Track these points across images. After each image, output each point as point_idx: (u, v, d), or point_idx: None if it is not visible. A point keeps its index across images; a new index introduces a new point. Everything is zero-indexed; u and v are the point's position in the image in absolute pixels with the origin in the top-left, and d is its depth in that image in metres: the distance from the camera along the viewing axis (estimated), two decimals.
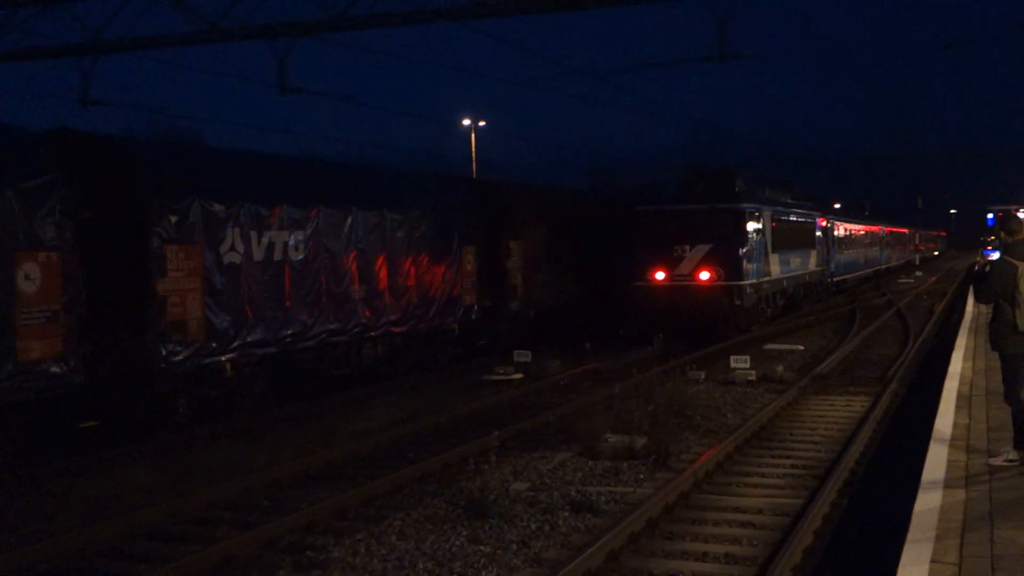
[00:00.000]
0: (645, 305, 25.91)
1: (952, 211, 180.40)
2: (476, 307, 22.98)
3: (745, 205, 26.80)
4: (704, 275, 25.75)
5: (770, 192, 31.28)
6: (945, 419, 11.32)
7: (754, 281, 26.86)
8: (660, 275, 25.94)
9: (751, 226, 26.75)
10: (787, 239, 31.07)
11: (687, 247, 25.87)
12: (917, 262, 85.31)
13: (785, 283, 30.98)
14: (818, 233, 36.86)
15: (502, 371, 20.00)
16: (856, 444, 12.57)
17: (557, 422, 14.79)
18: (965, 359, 16.90)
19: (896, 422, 14.63)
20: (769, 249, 28.58)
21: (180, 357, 14.71)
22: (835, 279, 41.44)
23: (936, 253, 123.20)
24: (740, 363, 19.34)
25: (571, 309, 27.82)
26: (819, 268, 36.71)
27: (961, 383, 14.13)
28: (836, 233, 42.00)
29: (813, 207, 37.56)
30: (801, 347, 24.12)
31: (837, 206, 48.94)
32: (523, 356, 20.90)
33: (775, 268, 29.46)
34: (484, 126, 50.67)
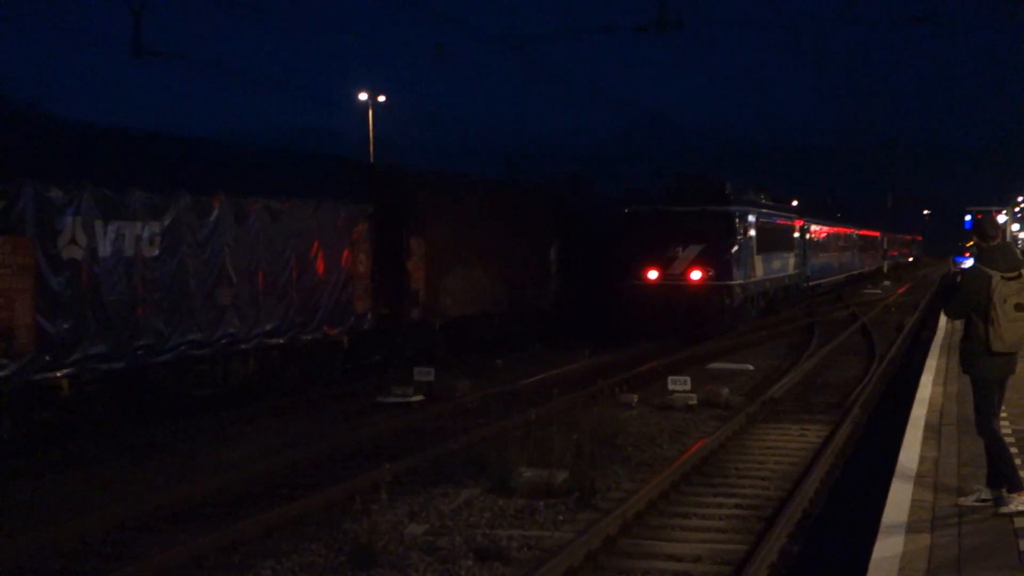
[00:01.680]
0: (637, 303, 30.65)
1: (925, 212, 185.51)
2: (370, 315, 22.93)
3: (735, 207, 32.01)
4: (696, 275, 30.79)
5: (752, 194, 36.32)
6: (911, 452, 11.56)
7: (742, 281, 32.14)
8: (653, 274, 30.90)
9: (740, 228, 31.98)
10: (770, 242, 36.49)
11: (679, 248, 30.83)
12: (885, 270, 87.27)
13: (767, 285, 36.40)
14: (795, 235, 42.63)
15: (399, 392, 19.95)
16: (810, 480, 12.76)
17: (463, 453, 14.79)
18: (936, 383, 17.34)
19: (857, 455, 14.89)
20: (754, 251, 33.86)
21: (4, 372, 14.35)
22: (811, 283, 47.12)
23: (910, 260, 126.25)
24: (679, 385, 19.51)
25: (489, 320, 28.03)
26: (797, 271, 42.68)
27: (930, 410, 14.46)
28: (811, 236, 46.92)
29: (791, 209, 43.09)
30: (751, 367, 24.52)
31: (795, 203, 50.38)
32: (425, 374, 20.90)
33: (759, 270, 34.94)
34: (383, 102, 50.53)
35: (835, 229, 58.48)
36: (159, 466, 14.38)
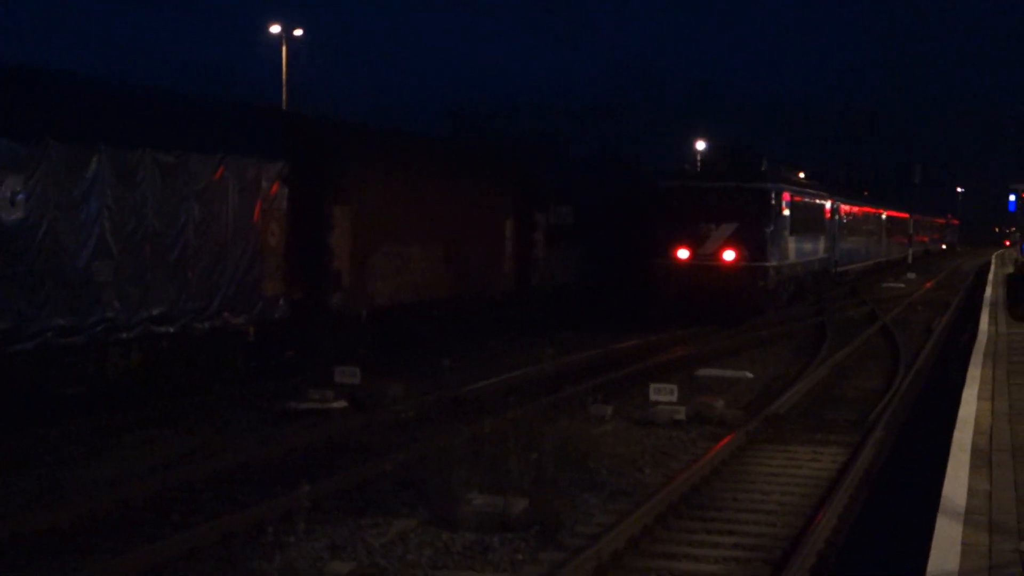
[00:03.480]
0: (666, 284, 34.66)
1: (959, 189, 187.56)
2: (282, 301, 22.82)
3: (771, 184, 35.96)
4: (729, 255, 34.52)
5: (785, 170, 40.51)
6: (957, 483, 11.46)
7: (776, 263, 36.27)
8: (683, 253, 34.83)
9: (776, 207, 35.84)
10: (802, 222, 40.64)
11: (712, 226, 34.63)
12: (911, 259, 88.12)
13: (799, 269, 40.92)
14: (826, 216, 47.22)
15: (317, 396, 19.77)
16: (826, 516, 12.64)
17: (397, 474, 14.66)
18: (981, 398, 17.32)
19: (884, 485, 14.80)
20: (788, 232, 37.87)
21: None
22: (838, 269, 51.92)
23: (943, 247, 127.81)
24: (663, 395, 19.43)
25: (428, 309, 28.04)
26: (825, 256, 47.21)
27: (977, 432, 14.39)
28: (839, 217, 51.03)
29: (821, 186, 47.42)
30: (749, 374, 24.59)
31: (801, 175, 51.11)
32: (349, 375, 20.75)
33: (792, 252, 39.04)
34: (301, 38, 50.18)
35: (864, 209, 62.36)
36: (11, 484, 14.14)
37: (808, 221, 42.30)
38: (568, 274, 35.67)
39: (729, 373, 24.57)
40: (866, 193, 76.26)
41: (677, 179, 36.16)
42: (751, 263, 34.82)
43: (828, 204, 48.08)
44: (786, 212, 37.49)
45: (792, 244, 38.88)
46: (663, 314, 34.44)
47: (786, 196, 37.61)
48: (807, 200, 42.61)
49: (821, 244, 45.97)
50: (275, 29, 48.90)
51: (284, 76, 47.94)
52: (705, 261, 34.53)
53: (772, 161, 37.85)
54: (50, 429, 17.13)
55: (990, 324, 29.60)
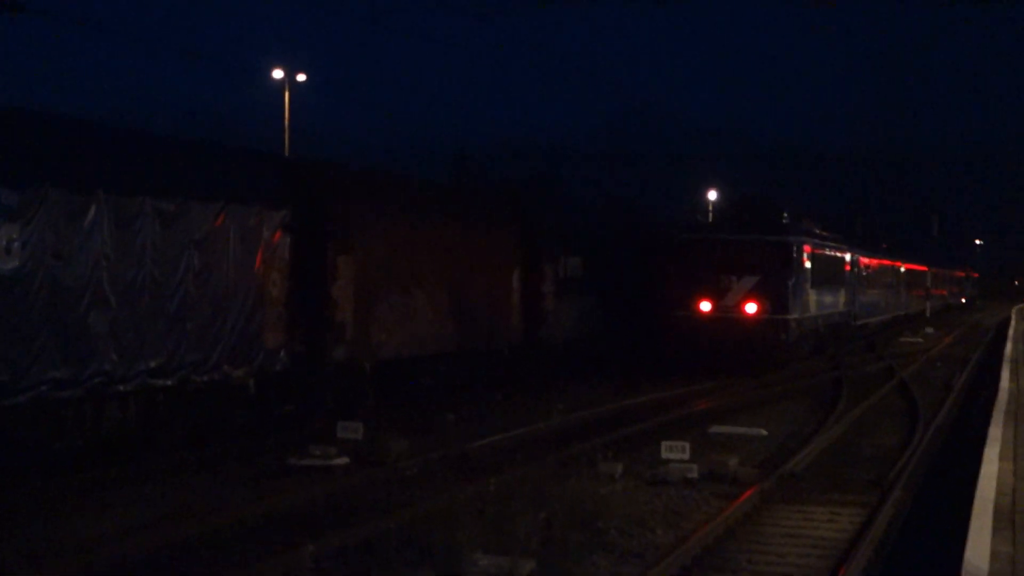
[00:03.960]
0: (690, 336, 36.03)
1: (977, 241, 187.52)
2: (283, 353, 22.86)
3: (792, 237, 37.88)
4: (751, 307, 36.20)
5: (806, 223, 42.81)
6: (979, 546, 11.55)
7: (798, 316, 37.75)
8: (705, 306, 36.45)
9: (797, 259, 37.63)
10: (823, 275, 42.36)
11: (733, 278, 36.35)
12: (929, 313, 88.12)
13: (820, 321, 42.44)
14: (846, 268, 48.86)
15: (319, 452, 19.83)
16: None
17: (401, 532, 14.71)
18: (1003, 458, 17.38)
19: (903, 548, 14.86)
20: (809, 285, 39.56)
21: None
22: (858, 322, 53.36)
23: (963, 300, 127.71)
24: (675, 453, 19.52)
25: (434, 363, 28.10)
26: (845, 308, 48.83)
27: (999, 493, 14.47)
28: (859, 270, 53.43)
29: (841, 239, 49.94)
30: (764, 431, 24.61)
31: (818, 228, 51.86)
32: (351, 430, 20.84)
33: (813, 305, 40.76)
34: (304, 82, 50.40)
35: (883, 262, 63.96)
36: (2, 541, 14.15)
37: (828, 274, 44.00)
38: (578, 327, 35.74)
39: (743, 430, 24.59)
40: (884, 246, 76.63)
41: (698, 232, 38.33)
42: (773, 315, 36.42)
43: (848, 256, 49.58)
44: (807, 264, 39.20)
45: (813, 296, 40.61)
46: (677, 368, 35.49)
47: (807, 248, 39.34)
48: (827, 253, 44.26)
49: (841, 297, 47.59)
50: (278, 74, 49.15)
51: (287, 122, 48.14)
52: (727, 313, 36.21)
53: (792, 213, 39.83)
54: (44, 484, 17.10)
55: (1011, 381, 29.70)
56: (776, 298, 36.55)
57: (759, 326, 36.23)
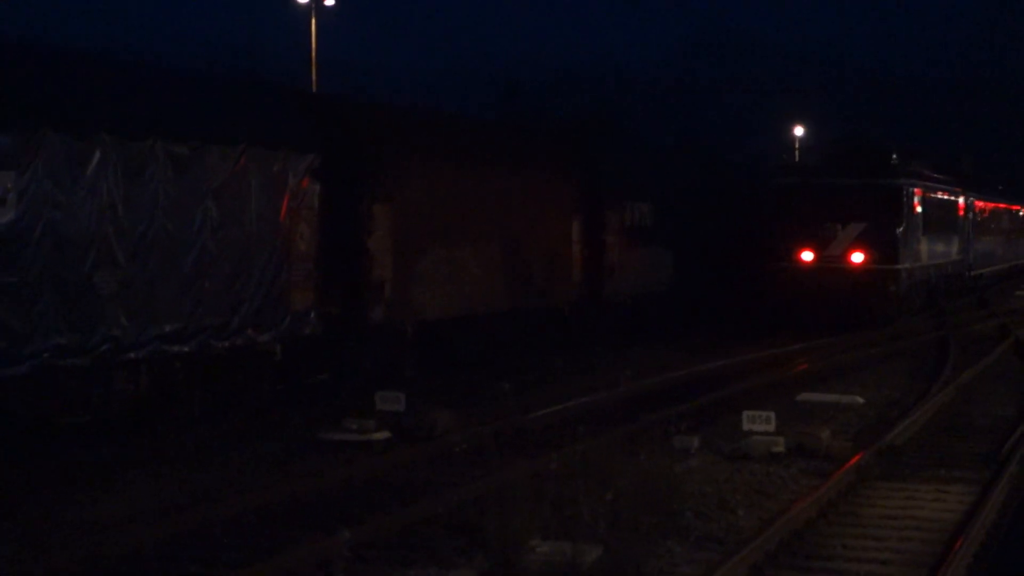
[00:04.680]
0: (788, 289, 36.96)
1: None
2: (313, 315, 22.83)
3: (903, 181, 38.83)
4: (857, 257, 37.11)
5: (916, 163, 43.66)
6: None
7: (908, 266, 39.06)
8: (807, 255, 37.27)
9: (908, 205, 38.63)
10: (934, 221, 43.49)
11: (838, 226, 37.19)
12: None
13: (931, 272, 43.73)
14: (960, 213, 50.48)
15: (356, 426, 19.71)
16: (952, 567, 12.36)
17: (449, 517, 14.60)
18: None
19: (1020, 531, 14.56)
20: (921, 232, 40.91)
21: None
22: (973, 272, 54.86)
23: None
24: (759, 424, 19.22)
25: (483, 324, 28.12)
26: (959, 258, 50.28)
27: None
28: (974, 215, 54.97)
29: (954, 181, 50.83)
30: (860, 399, 24.32)
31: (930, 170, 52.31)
32: (392, 402, 20.62)
33: (924, 254, 42.01)
34: (333, 6, 50.34)
35: (1001, 206, 64.78)
36: (2, 525, 14.10)
37: (942, 220, 45.08)
38: (647, 282, 35.75)
39: (836, 397, 24.27)
40: (1000, 188, 76.58)
41: (799, 175, 39.00)
42: (882, 265, 37.32)
43: (962, 200, 50.66)
44: (919, 210, 40.29)
45: (925, 245, 41.71)
46: (765, 327, 36.36)
47: (918, 192, 40.29)
48: (940, 197, 45.34)
49: (955, 245, 48.79)
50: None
51: (313, 53, 48.13)
52: (831, 263, 37.09)
53: (903, 154, 40.51)
54: (48, 463, 17.18)
55: None
56: (885, 247, 37.33)
57: (867, 277, 36.98)
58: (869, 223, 37.18)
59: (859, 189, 37.58)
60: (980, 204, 56.55)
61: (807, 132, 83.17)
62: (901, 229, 37.98)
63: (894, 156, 39.79)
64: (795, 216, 37.72)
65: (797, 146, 78.99)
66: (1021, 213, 73.82)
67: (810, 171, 39.15)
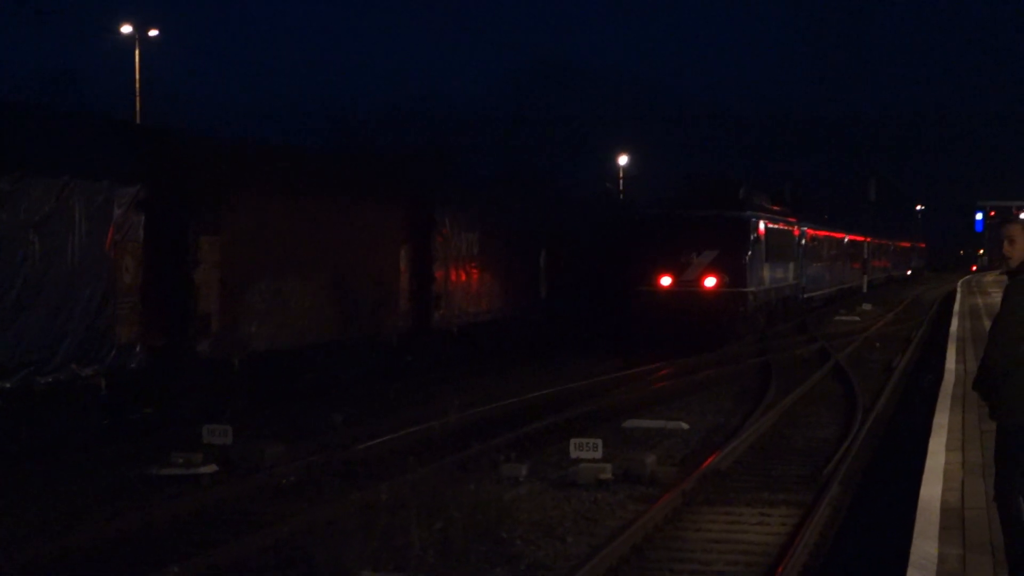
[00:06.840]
0: (649, 310, 40.71)
1: (919, 207, 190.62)
2: (139, 348, 22.62)
3: (749, 213, 43.26)
4: (710, 281, 41.06)
5: (758, 197, 47.83)
6: (925, 546, 11.57)
7: (754, 289, 43.07)
8: (666, 280, 41.14)
9: (753, 234, 43.01)
10: (775, 248, 47.87)
11: (693, 253, 41.12)
12: (865, 288, 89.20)
13: (773, 295, 48.40)
14: (794, 242, 54.35)
15: (183, 460, 19.50)
16: None
17: (278, 549, 14.60)
18: (950, 448, 17.45)
19: (841, 551, 14.86)
20: (764, 258, 45.10)
21: None
22: (806, 295, 58.79)
23: (908, 273, 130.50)
24: (586, 451, 19.41)
25: (313, 355, 28.08)
26: (795, 282, 54.57)
27: (946, 488, 14.52)
28: (806, 243, 58.56)
29: (790, 212, 55.21)
30: (685, 425, 24.70)
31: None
32: (219, 435, 20.65)
33: (767, 278, 46.39)
34: (156, 39, 49.84)
35: (828, 234, 69.47)
36: None
37: (780, 248, 49.73)
38: (476, 310, 35.89)
39: (662, 423, 24.59)
40: (826, 218, 78.49)
41: (660, 207, 42.93)
42: (732, 288, 41.41)
43: (796, 229, 55.08)
44: (763, 239, 44.75)
45: (767, 271, 46.27)
46: (586, 352, 38.98)
47: (761, 223, 44.65)
48: (779, 228, 49.93)
49: (791, 271, 53.46)
50: (127, 29, 48.47)
51: (137, 84, 47.51)
52: (687, 287, 41.02)
53: (748, 189, 44.96)
54: None
55: (957, 362, 29.93)
56: (734, 271, 41.53)
57: (719, 298, 41.08)
58: (720, 251, 41.16)
59: (711, 220, 41.65)
60: (811, 232, 60.56)
61: (631, 161, 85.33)
62: (748, 256, 42.16)
63: (741, 190, 44.01)
64: (656, 244, 41.77)
65: (621, 175, 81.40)
66: (844, 241, 78.25)
67: (671, 203, 42.84)
